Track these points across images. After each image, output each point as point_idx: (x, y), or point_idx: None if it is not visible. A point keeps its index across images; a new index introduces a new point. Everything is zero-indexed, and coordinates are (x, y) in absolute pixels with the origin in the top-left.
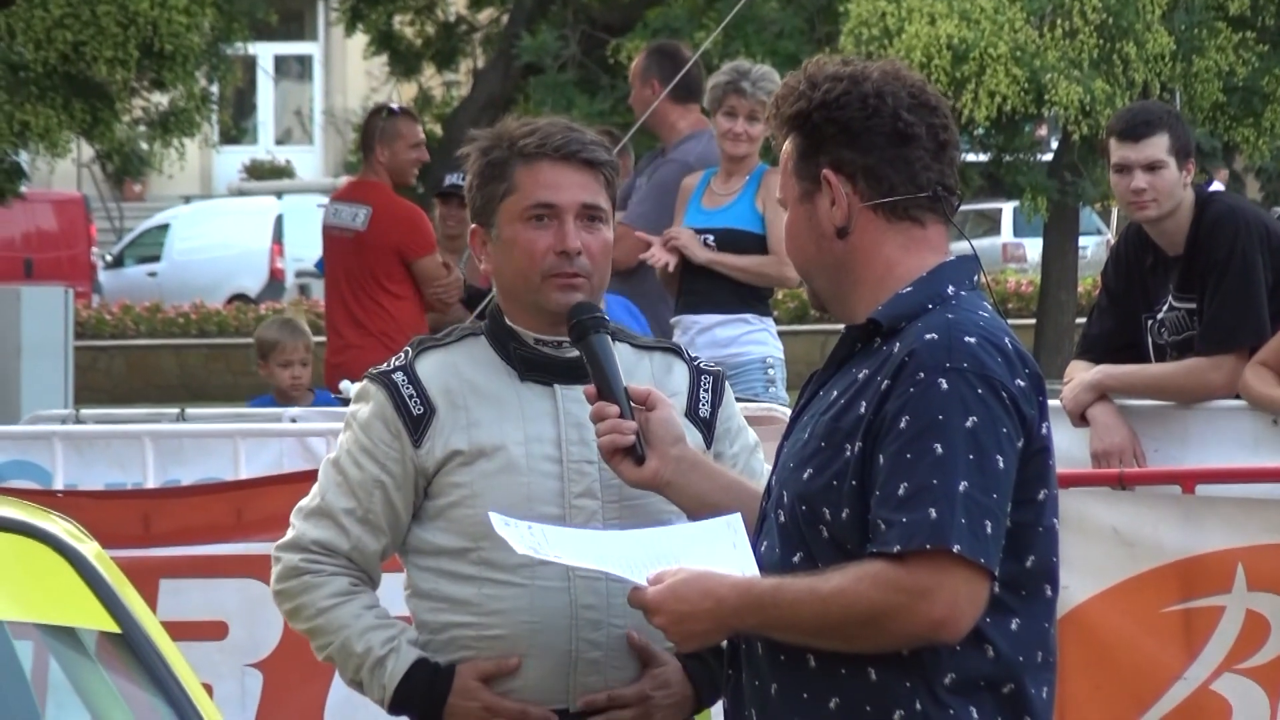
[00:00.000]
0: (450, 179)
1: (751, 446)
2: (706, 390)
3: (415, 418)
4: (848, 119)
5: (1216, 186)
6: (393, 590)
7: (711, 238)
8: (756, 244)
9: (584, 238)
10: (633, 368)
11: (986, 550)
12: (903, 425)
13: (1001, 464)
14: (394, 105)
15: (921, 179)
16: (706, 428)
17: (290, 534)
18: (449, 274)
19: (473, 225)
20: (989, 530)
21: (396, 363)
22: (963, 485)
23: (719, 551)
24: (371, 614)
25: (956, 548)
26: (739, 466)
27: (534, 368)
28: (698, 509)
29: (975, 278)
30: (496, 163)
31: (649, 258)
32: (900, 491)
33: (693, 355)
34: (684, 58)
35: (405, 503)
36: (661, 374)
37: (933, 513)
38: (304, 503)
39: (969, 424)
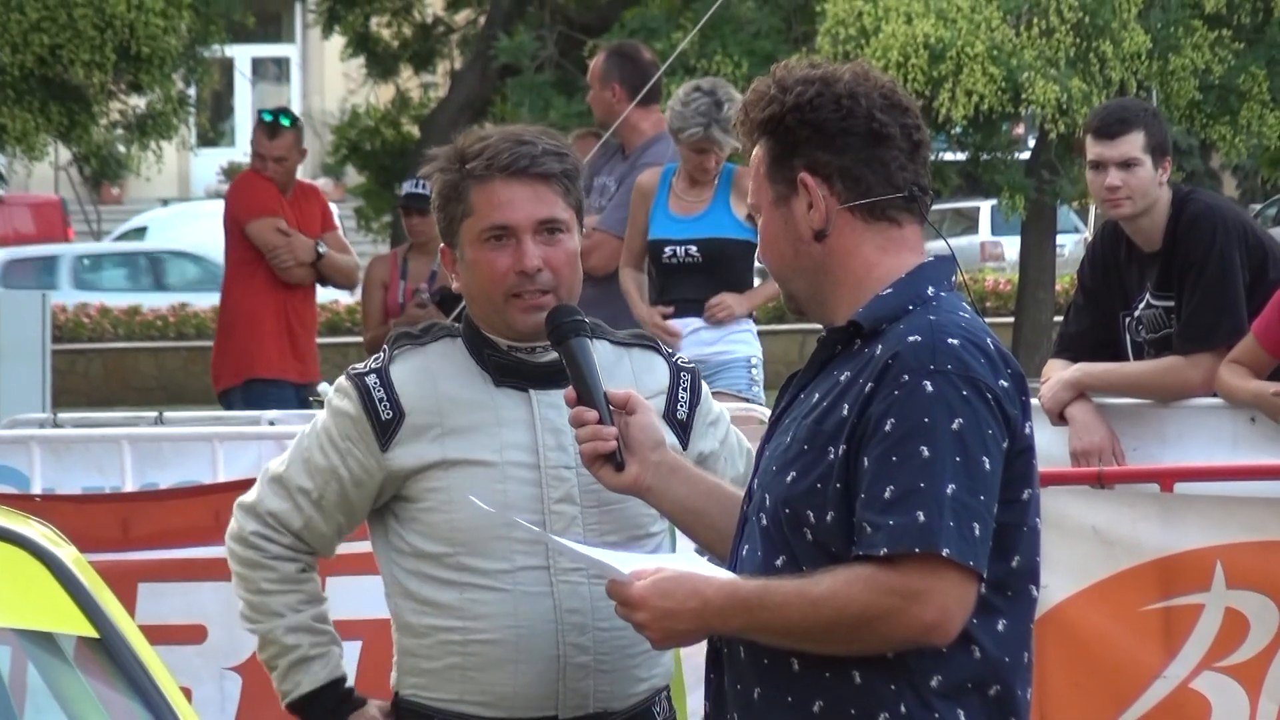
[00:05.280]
0: (407, 187)
1: (734, 443)
2: (685, 390)
3: (383, 422)
4: (822, 120)
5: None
6: (369, 592)
7: (695, 248)
8: (742, 250)
9: (545, 252)
10: (613, 366)
11: (975, 552)
12: (888, 428)
13: (988, 465)
14: (269, 112)
15: (897, 179)
16: (684, 429)
17: (254, 493)
18: (285, 239)
19: (443, 245)
20: (977, 532)
21: (372, 364)
22: (950, 487)
23: (698, 564)
24: (309, 613)
25: (946, 551)
26: (725, 457)
27: (509, 373)
28: (678, 514)
29: (954, 278)
30: (451, 185)
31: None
32: (886, 494)
33: (669, 350)
34: (644, 59)
35: (362, 498)
36: (642, 371)
37: (920, 515)
38: (274, 463)
39: (955, 426)
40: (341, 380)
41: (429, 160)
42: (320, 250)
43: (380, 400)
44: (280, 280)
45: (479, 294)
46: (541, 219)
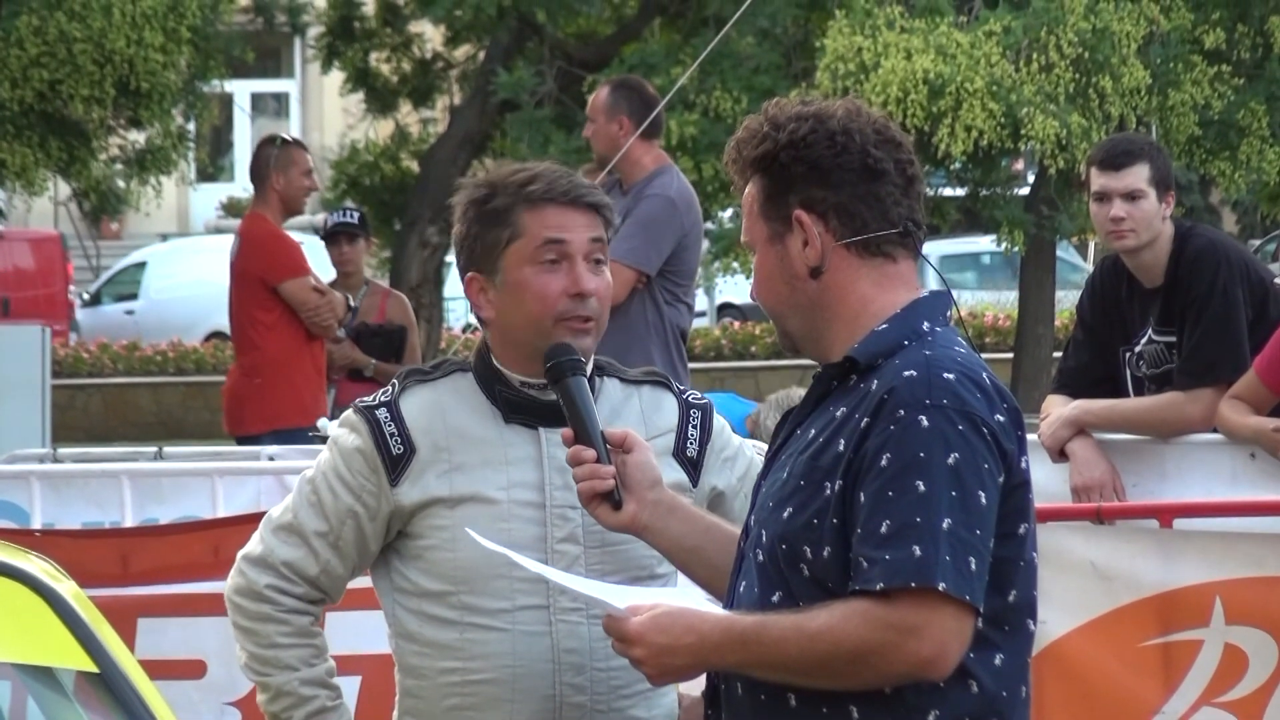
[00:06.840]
0: (334, 218)
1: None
2: (695, 427)
3: (394, 457)
4: (816, 157)
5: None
6: (369, 628)
7: None
8: None
9: (593, 280)
10: (621, 405)
11: (971, 587)
12: (884, 463)
13: (984, 500)
14: (286, 135)
15: (893, 214)
16: (693, 466)
17: (259, 547)
18: (322, 298)
19: (469, 274)
20: (973, 567)
21: (382, 398)
22: (946, 522)
23: (692, 598)
24: (321, 668)
25: (942, 585)
26: (745, 493)
27: (518, 410)
28: (676, 552)
29: (949, 313)
30: (499, 209)
31: None
32: (883, 529)
33: (681, 387)
34: (649, 93)
35: (376, 534)
36: (651, 410)
37: (917, 550)
38: (274, 514)
39: (951, 461)
40: (349, 414)
41: (460, 189)
42: (352, 305)
43: (391, 435)
44: (308, 330)
45: (524, 318)
46: (594, 237)
